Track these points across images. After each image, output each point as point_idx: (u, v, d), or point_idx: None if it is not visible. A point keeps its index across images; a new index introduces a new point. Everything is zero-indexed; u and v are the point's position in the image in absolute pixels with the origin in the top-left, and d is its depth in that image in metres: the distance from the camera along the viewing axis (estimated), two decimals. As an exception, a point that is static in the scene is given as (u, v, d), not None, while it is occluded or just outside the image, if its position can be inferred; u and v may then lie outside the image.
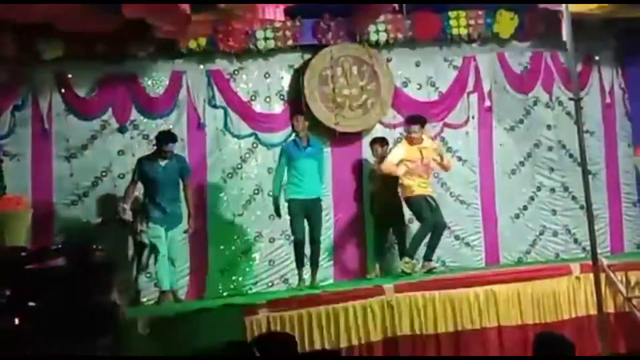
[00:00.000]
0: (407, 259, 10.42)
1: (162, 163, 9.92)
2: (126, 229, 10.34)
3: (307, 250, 10.29)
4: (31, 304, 6.30)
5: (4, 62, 10.09)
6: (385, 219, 11.05)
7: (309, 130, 10.44)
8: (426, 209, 10.52)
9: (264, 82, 11.24)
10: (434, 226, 10.53)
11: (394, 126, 11.39)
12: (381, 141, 11.10)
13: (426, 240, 10.53)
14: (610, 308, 9.60)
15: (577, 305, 9.68)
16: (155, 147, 10.13)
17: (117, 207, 10.13)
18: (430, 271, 10.51)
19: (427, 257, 10.60)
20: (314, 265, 10.28)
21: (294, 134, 10.40)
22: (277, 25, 10.55)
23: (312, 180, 10.18)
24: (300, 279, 10.30)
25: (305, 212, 10.13)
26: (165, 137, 10.05)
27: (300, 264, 10.27)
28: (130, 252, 10.40)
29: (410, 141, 10.59)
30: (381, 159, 10.76)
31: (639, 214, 12.32)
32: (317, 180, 10.25)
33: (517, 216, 11.89)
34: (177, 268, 10.14)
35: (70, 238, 8.38)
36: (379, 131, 11.39)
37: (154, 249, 9.94)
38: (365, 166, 11.36)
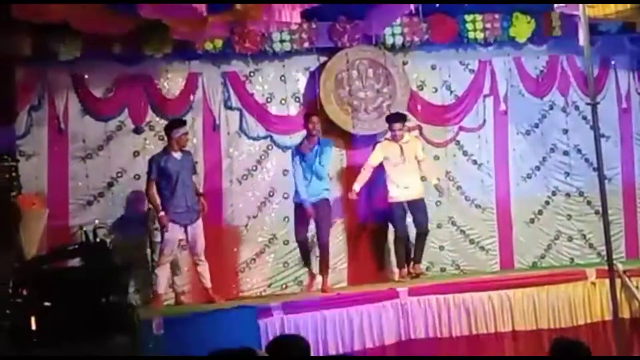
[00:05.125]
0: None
1: (177, 156, 9.74)
2: (142, 228, 10.38)
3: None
4: (47, 303, 6.33)
5: (21, 62, 10.12)
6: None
7: (324, 133, 10.47)
8: (399, 219, 10.57)
9: (280, 84, 11.24)
10: (403, 237, 10.64)
11: (409, 129, 11.32)
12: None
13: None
14: (625, 314, 9.57)
15: (593, 311, 9.67)
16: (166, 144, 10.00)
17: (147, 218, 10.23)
18: (417, 276, 10.55)
19: (415, 261, 10.67)
20: (323, 271, 10.27)
21: (306, 136, 10.40)
22: (293, 27, 10.52)
23: (318, 181, 10.20)
24: (311, 280, 10.35)
25: (314, 212, 10.17)
26: (177, 123, 9.93)
27: (307, 264, 10.39)
28: (145, 251, 10.41)
29: (393, 138, 10.65)
30: None
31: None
32: (324, 180, 10.27)
33: (532, 221, 11.85)
34: (203, 264, 9.88)
35: (87, 238, 8.40)
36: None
37: (160, 253, 9.73)
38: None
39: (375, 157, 10.67)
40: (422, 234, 10.67)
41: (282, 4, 8.49)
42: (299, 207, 10.24)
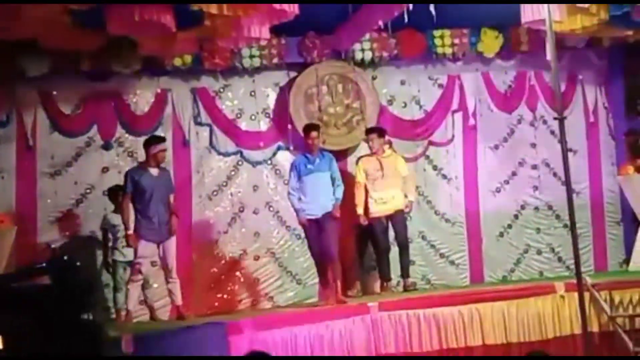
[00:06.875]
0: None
1: (154, 172, 9.46)
2: (95, 247, 10.36)
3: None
4: (15, 322, 6.27)
5: (-11, 78, 10.07)
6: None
7: (295, 150, 10.50)
8: (380, 233, 10.63)
9: (250, 100, 11.26)
10: (386, 250, 10.68)
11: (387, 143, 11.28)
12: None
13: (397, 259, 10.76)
14: (594, 327, 9.60)
15: (562, 324, 9.68)
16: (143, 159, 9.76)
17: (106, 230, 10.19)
18: (406, 289, 10.62)
19: (404, 276, 10.73)
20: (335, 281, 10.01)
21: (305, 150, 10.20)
22: (263, 43, 10.56)
23: (324, 194, 9.93)
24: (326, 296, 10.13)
25: (319, 226, 9.98)
26: (155, 139, 9.74)
27: (323, 280, 10.12)
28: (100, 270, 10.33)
29: (371, 152, 10.71)
30: None
31: (622, 233, 12.33)
32: (330, 193, 9.94)
33: (501, 234, 11.91)
34: (174, 282, 9.62)
35: (54, 256, 8.34)
36: (363, 149, 11.37)
37: (133, 269, 9.48)
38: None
39: (360, 174, 10.66)
40: (403, 248, 10.70)
41: (251, 20, 8.50)
42: (310, 222, 9.93)
